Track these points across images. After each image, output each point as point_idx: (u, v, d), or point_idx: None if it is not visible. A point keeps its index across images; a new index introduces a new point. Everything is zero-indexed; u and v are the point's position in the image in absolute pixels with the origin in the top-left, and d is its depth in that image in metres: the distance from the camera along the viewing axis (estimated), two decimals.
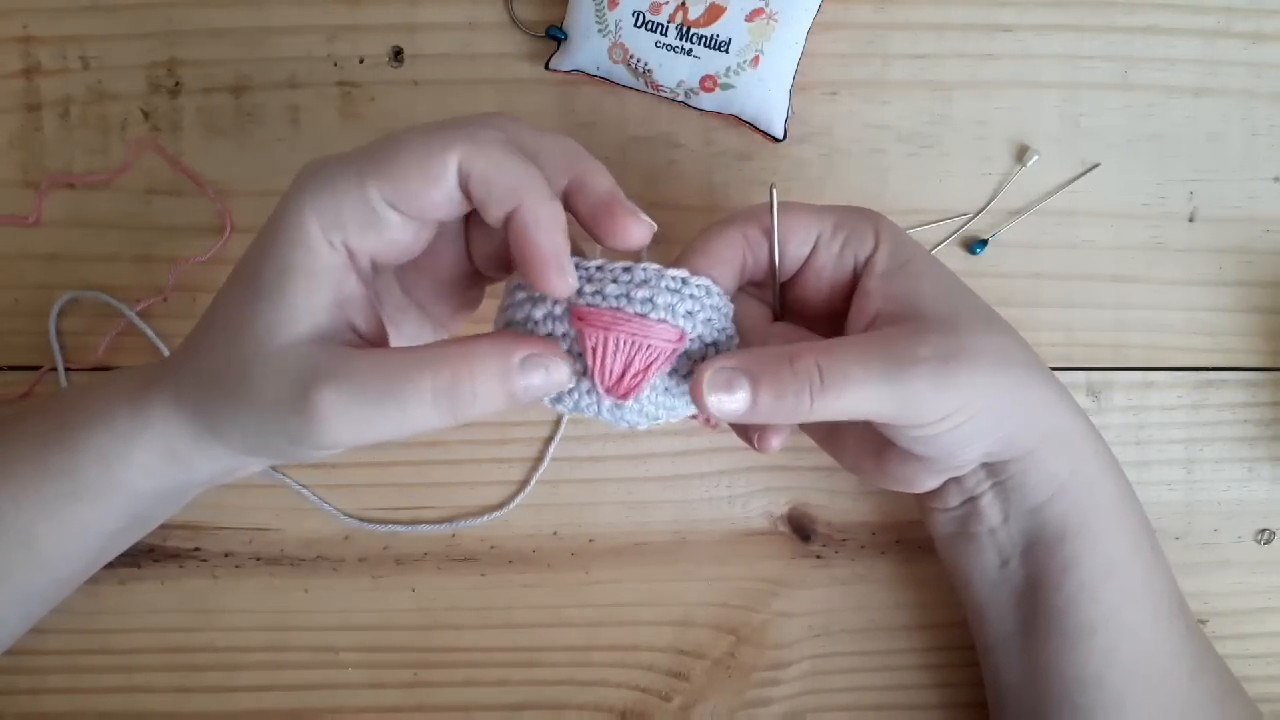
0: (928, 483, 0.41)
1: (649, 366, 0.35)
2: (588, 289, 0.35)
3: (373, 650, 0.50)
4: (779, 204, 0.39)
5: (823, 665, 0.51)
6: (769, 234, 0.39)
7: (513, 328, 0.36)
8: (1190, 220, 0.50)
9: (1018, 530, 0.41)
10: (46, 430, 0.39)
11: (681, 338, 0.35)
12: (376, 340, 0.36)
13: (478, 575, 0.50)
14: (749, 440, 0.40)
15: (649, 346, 0.35)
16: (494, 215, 0.34)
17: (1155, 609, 0.42)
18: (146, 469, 0.38)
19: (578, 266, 0.35)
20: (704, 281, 0.36)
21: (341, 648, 0.50)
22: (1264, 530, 0.51)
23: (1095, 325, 0.50)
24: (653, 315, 0.35)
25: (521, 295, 0.36)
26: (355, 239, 0.34)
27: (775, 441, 0.39)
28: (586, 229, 0.36)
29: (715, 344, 0.37)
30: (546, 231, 0.33)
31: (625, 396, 0.35)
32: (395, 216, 0.34)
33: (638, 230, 0.35)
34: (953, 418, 0.36)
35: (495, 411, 0.34)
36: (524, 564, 0.50)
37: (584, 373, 0.35)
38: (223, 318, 0.36)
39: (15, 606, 0.42)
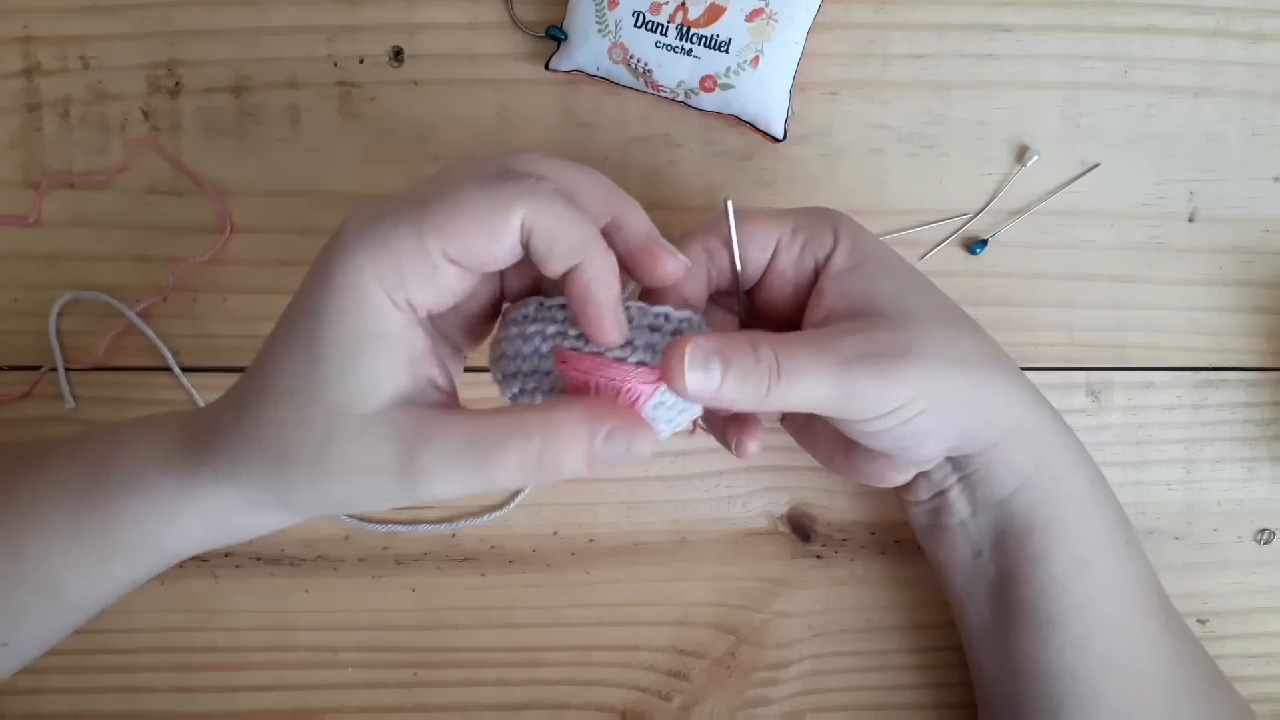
0: (895, 477, 0.42)
1: (633, 405, 0.35)
2: (571, 331, 0.36)
3: (373, 650, 0.50)
4: (737, 212, 0.39)
5: (822, 665, 0.51)
6: (728, 244, 0.39)
7: (504, 360, 0.37)
8: (1190, 220, 0.50)
9: (986, 523, 0.42)
10: (79, 485, 0.38)
11: (661, 376, 0.35)
12: (453, 391, 0.37)
13: (478, 575, 0.50)
14: (726, 445, 0.40)
15: (629, 389, 0.35)
16: (554, 270, 0.34)
17: (1129, 602, 0.42)
18: (190, 536, 0.37)
19: (563, 306, 0.36)
20: (686, 314, 0.36)
21: (341, 648, 0.50)
22: (1264, 530, 0.51)
23: (1095, 325, 0.50)
24: (632, 358, 0.35)
25: (514, 330, 0.37)
26: (417, 295, 0.34)
27: (752, 446, 0.40)
28: (624, 266, 0.36)
29: None
30: (607, 287, 0.34)
31: None
32: (453, 270, 0.34)
33: (675, 268, 0.37)
34: (898, 413, 0.36)
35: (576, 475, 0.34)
36: (524, 564, 0.50)
37: None
38: (283, 385, 0.34)
39: (36, 643, 0.41)
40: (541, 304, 0.37)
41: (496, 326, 0.39)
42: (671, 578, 0.50)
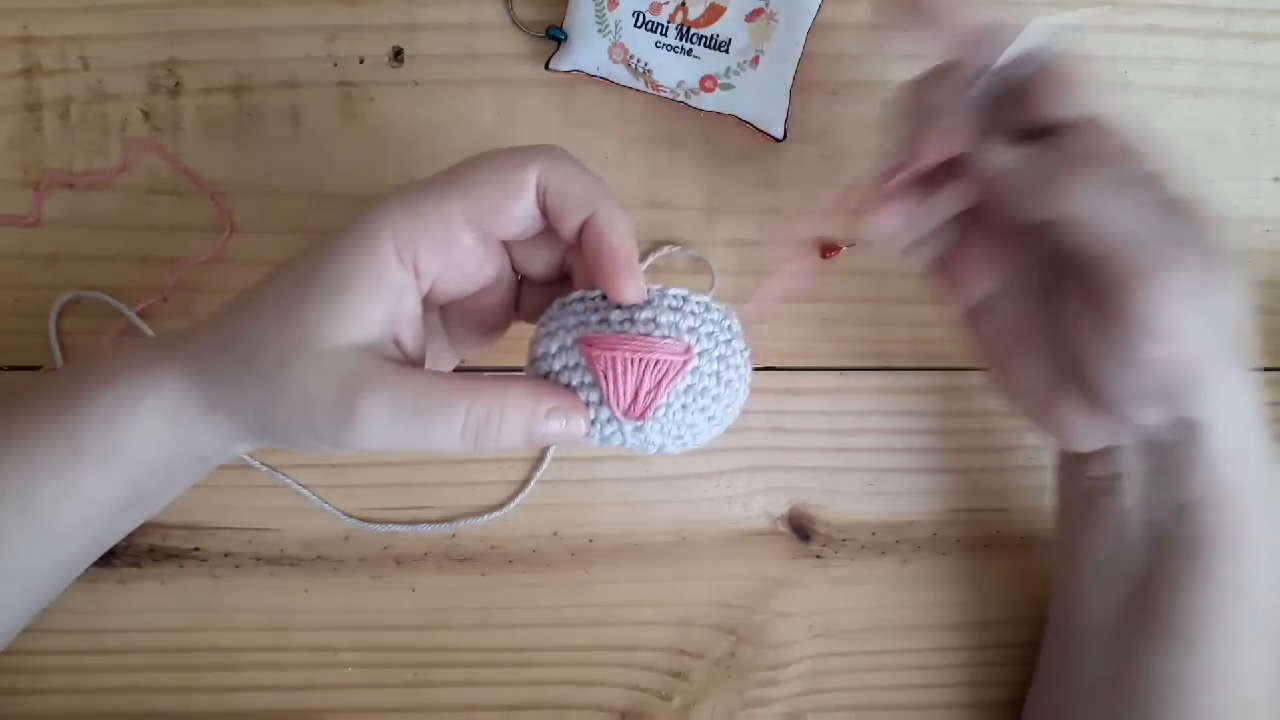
0: (1088, 439, 0.40)
1: (660, 383, 0.35)
2: (594, 318, 0.36)
3: (373, 650, 0.50)
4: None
5: (823, 665, 0.51)
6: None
7: (535, 363, 0.37)
8: None
9: (1156, 522, 0.39)
10: (58, 390, 0.39)
11: (688, 350, 0.35)
12: (417, 360, 0.37)
13: (478, 575, 0.50)
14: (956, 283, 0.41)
15: (657, 363, 0.35)
16: (570, 224, 0.36)
17: (1269, 637, 0.40)
18: (147, 433, 0.38)
19: (583, 299, 0.36)
20: (703, 298, 0.37)
21: (341, 648, 0.50)
22: None
23: None
24: (657, 334, 0.35)
25: (542, 331, 0.37)
26: (426, 258, 0.36)
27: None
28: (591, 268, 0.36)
29: (723, 359, 0.37)
30: (621, 237, 0.35)
31: (642, 417, 0.35)
32: (470, 238, 0.36)
33: (632, 296, 0.36)
34: (1173, 333, 0.35)
35: (511, 449, 0.35)
36: (524, 564, 0.50)
37: (601, 401, 0.35)
38: (266, 304, 0.36)
39: (16, 583, 0.41)
40: (563, 304, 0.37)
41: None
42: (671, 578, 0.50)
